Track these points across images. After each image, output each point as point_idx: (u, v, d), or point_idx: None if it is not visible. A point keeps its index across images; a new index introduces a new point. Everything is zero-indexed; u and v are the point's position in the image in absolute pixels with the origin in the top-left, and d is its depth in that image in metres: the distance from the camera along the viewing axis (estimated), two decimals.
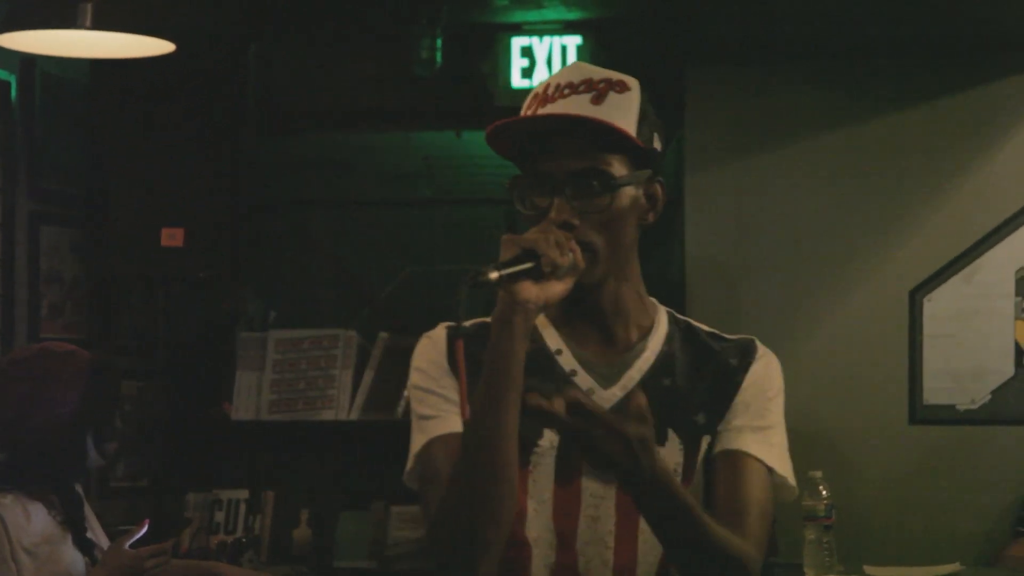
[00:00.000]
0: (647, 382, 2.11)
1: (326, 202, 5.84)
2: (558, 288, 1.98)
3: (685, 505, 1.95)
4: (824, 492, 4.34)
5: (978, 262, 5.23)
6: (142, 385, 5.41)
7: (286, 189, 5.80)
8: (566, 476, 2.06)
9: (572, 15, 5.47)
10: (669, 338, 2.17)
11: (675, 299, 5.58)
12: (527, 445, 2.05)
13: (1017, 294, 5.21)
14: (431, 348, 2.15)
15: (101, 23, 3.89)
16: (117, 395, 4.00)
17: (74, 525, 3.62)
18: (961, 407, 5.22)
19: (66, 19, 3.89)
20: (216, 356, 5.55)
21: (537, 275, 1.96)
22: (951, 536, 5.10)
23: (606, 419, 1.87)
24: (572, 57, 5.47)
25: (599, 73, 2.13)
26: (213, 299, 5.57)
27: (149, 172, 5.24)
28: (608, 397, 2.10)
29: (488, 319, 2.07)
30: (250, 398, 5.40)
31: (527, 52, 5.52)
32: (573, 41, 5.50)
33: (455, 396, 2.07)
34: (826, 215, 5.31)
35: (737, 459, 2.10)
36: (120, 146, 5.28)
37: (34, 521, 3.54)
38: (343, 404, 5.33)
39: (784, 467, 2.15)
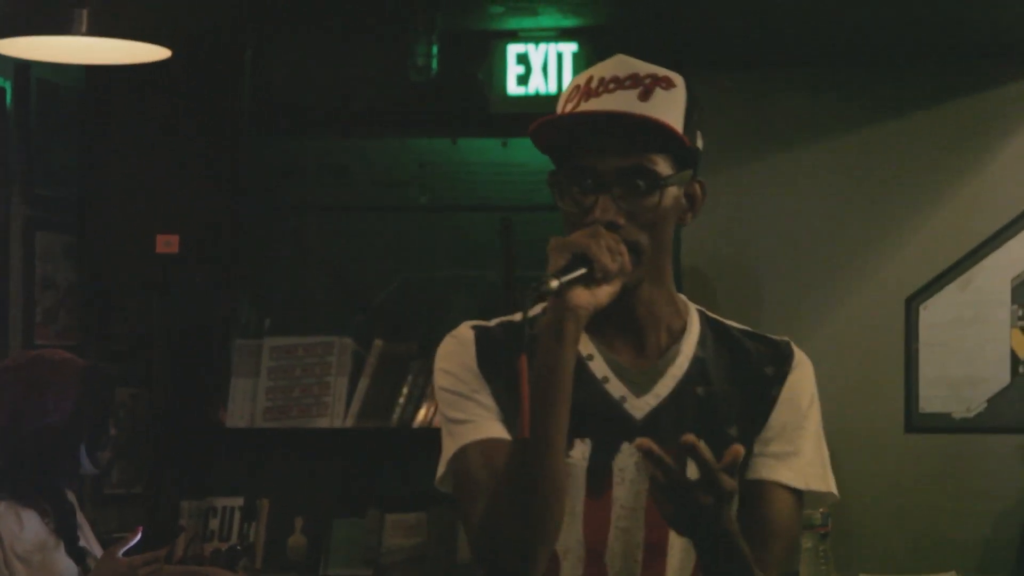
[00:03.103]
0: (681, 390, 2.06)
1: (321, 208, 5.83)
2: (607, 292, 1.94)
3: (740, 552, 1.93)
4: None
5: (974, 270, 5.22)
6: (136, 392, 5.39)
7: (282, 195, 5.79)
8: (597, 488, 2.01)
9: (568, 22, 5.46)
10: (702, 341, 2.11)
11: None
12: None
13: (1013, 302, 5.20)
14: (459, 350, 2.07)
15: (96, 29, 3.88)
16: (110, 403, 3.99)
17: (66, 533, 3.61)
18: (957, 415, 5.21)
19: (61, 25, 3.87)
20: (211, 363, 5.53)
21: (588, 280, 1.92)
22: (947, 544, 5.09)
23: (715, 468, 1.83)
24: (568, 64, 5.47)
25: (645, 68, 2.06)
26: (208, 305, 5.55)
27: (144, 177, 5.23)
28: (641, 406, 2.04)
29: (510, 318, 2.04)
30: (245, 405, 5.39)
31: (523, 59, 5.51)
32: (569, 48, 5.49)
33: (488, 401, 2.02)
34: (822, 222, 5.31)
35: (768, 489, 2.06)
36: (115, 151, 5.27)
37: (27, 528, 3.53)
38: (338, 411, 5.32)
39: (820, 482, 2.13)
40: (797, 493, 2.08)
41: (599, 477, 2.01)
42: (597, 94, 2.03)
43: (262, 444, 5.46)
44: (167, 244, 5.11)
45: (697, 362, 2.08)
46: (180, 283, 5.27)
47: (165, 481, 5.39)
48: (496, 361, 2.02)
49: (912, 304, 5.25)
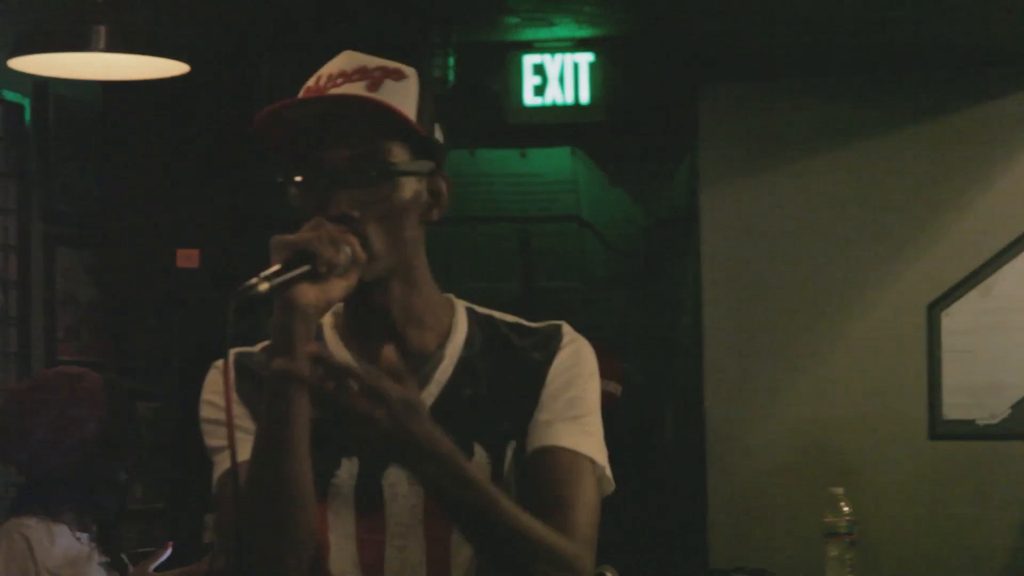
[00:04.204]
0: (448, 393, 1.94)
1: None
2: (340, 286, 1.83)
3: (483, 491, 1.79)
4: (846, 509, 4.31)
5: (995, 276, 5.21)
6: (158, 406, 5.40)
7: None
8: (368, 507, 1.90)
9: (583, 32, 5.46)
10: (469, 341, 1.99)
11: (693, 316, 5.58)
12: (324, 477, 1.90)
13: None
14: (219, 378, 2.01)
15: (114, 45, 3.89)
16: (134, 411, 4.00)
17: (109, 545, 3.62)
18: (980, 422, 5.19)
19: (79, 41, 3.88)
20: None
21: (314, 276, 1.81)
22: (972, 551, 5.08)
23: (358, 374, 1.71)
24: (584, 74, 5.46)
25: (373, 61, 2.01)
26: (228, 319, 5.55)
27: (163, 193, 5.23)
28: None
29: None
30: None
31: (539, 70, 5.51)
32: (585, 58, 5.49)
33: (247, 423, 1.93)
34: (842, 230, 5.30)
35: (553, 454, 1.91)
36: (134, 167, 5.28)
37: (58, 543, 3.54)
38: None
39: (602, 458, 1.95)
40: (586, 458, 1.93)
41: (369, 496, 1.91)
42: (324, 90, 1.97)
43: None
44: (187, 258, 5.12)
45: (463, 363, 1.97)
46: (199, 297, 5.28)
47: (188, 495, 5.39)
48: (256, 384, 1.92)
49: (934, 311, 5.24)
